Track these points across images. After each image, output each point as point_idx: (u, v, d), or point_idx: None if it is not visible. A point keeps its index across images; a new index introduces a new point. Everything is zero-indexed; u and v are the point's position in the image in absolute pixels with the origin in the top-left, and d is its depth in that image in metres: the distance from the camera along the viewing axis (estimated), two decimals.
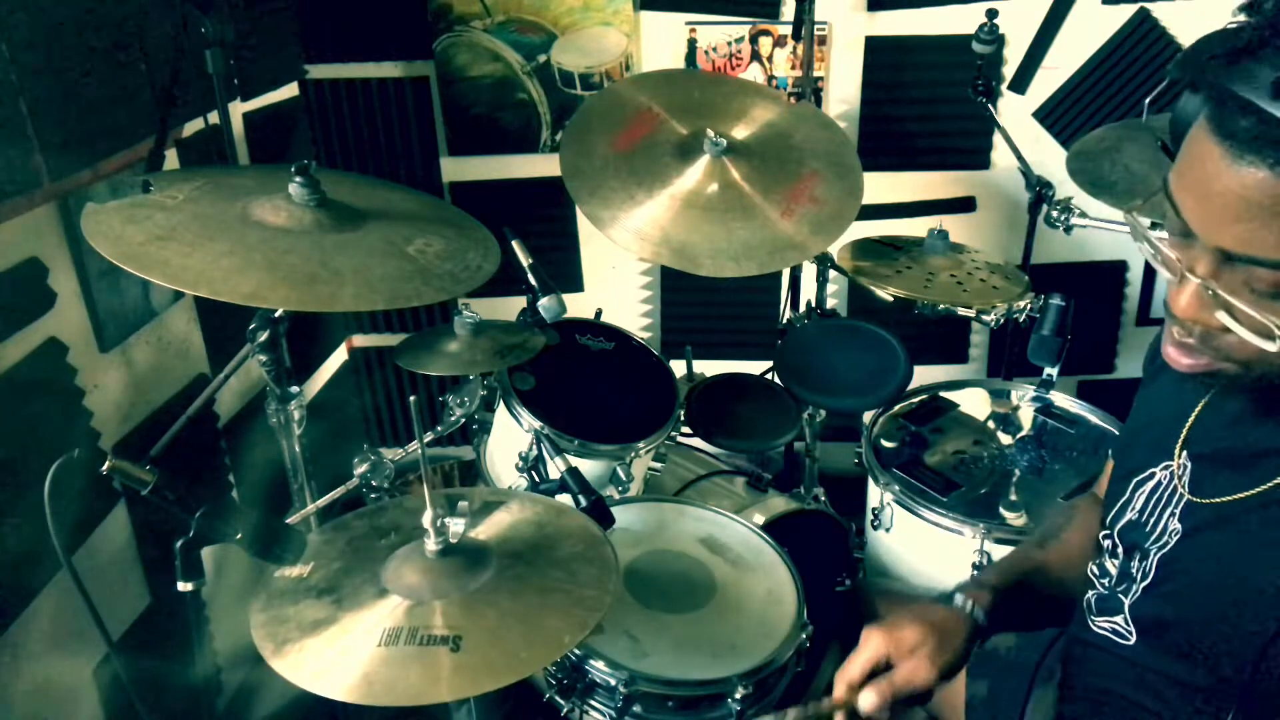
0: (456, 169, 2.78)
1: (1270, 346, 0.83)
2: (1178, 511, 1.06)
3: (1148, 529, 1.10)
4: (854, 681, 1.11)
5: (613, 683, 1.42)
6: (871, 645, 1.13)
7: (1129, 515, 1.13)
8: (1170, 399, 1.13)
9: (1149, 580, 1.09)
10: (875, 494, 1.95)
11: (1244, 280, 0.83)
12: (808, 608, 1.57)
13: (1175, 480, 1.08)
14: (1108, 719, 1.16)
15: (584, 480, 1.62)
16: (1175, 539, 1.06)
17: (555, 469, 1.67)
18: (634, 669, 1.42)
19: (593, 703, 1.47)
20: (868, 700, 1.08)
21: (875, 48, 2.63)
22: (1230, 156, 0.79)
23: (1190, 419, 1.09)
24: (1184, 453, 1.08)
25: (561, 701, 1.47)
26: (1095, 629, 1.17)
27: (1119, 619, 1.13)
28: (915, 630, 1.13)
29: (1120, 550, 1.14)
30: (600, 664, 1.43)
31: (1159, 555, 1.07)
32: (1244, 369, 0.90)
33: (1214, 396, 1.07)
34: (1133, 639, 1.11)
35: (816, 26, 2.44)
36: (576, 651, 1.45)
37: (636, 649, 1.47)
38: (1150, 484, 1.11)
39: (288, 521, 1.50)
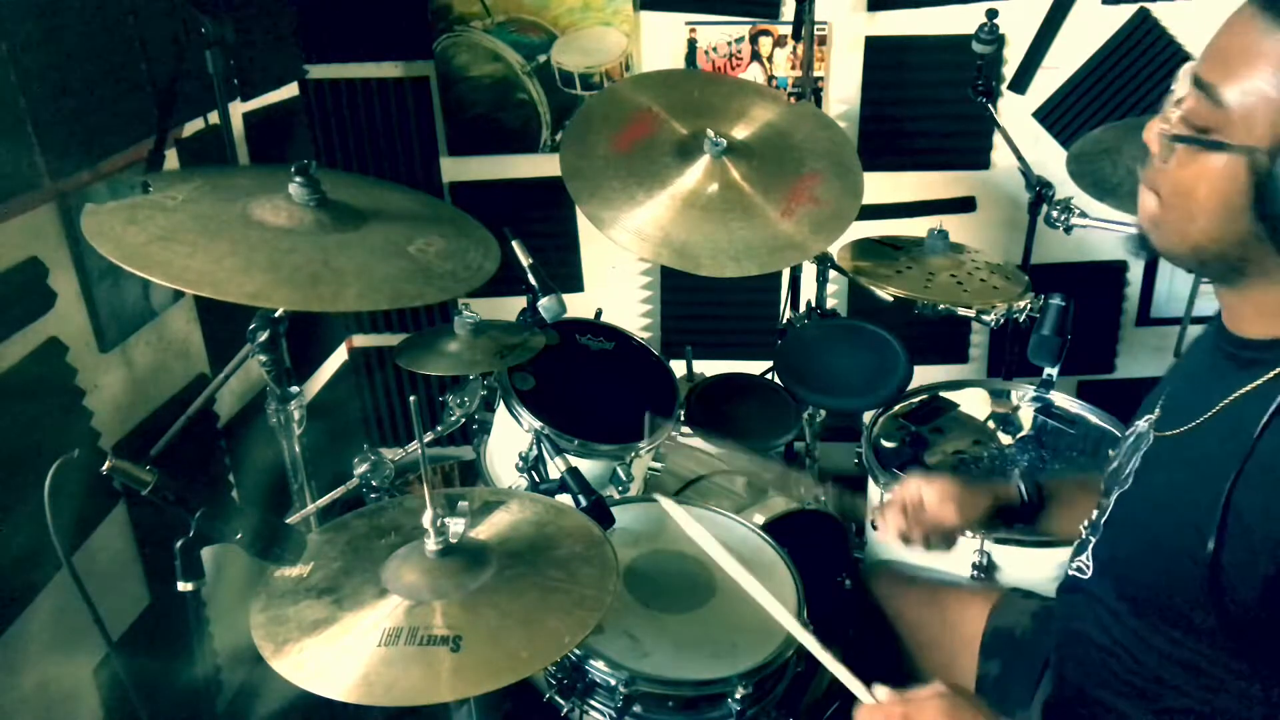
0: (456, 169, 2.78)
1: (1154, 170, 0.97)
2: (1143, 452, 1.12)
3: (1122, 474, 1.15)
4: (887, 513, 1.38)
5: (613, 683, 1.42)
6: (909, 485, 1.38)
7: (1114, 464, 1.19)
8: (1174, 368, 1.20)
9: (1105, 517, 1.15)
10: (875, 494, 1.95)
11: (1191, 109, 0.93)
12: (808, 608, 1.57)
13: (1150, 427, 1.13)
14: (1082, 661, 1.19)
15: (584, 480, 1.62)
16: (1133, 478, 1.12)
17: (555, 469, 1.68)
18: (634, 669, 1.42)
19: (593, 703, 1.46)
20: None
21: (875, 48, 2.63)
22: (1251, 10, 0.90)
23: (1171, 373, 1.17)
24: (1161, 403, 1.15)
25: (561, 701, 1.47)
26: (1069, 570, 1.23)
27: (1084, 557, 1.18)
28: (948, 483, 1.36)
29: (1103, 495, 1.19)
30: (600, 664, 1.43)
31: (1118, 494, 1.13)
32: (1158, 223, 1.00)
33: (1192, 353, 1.14)
34: (1088, 574, 1.17)
35: (816, 26, 2.44)
36: (576, 651, 1.44)
37: (636, 649, 1.47)
38: (1133, 435, 1.17)
39: (288, 521, 1.50)
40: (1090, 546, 1.19)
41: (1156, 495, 1.08)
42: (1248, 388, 0.96)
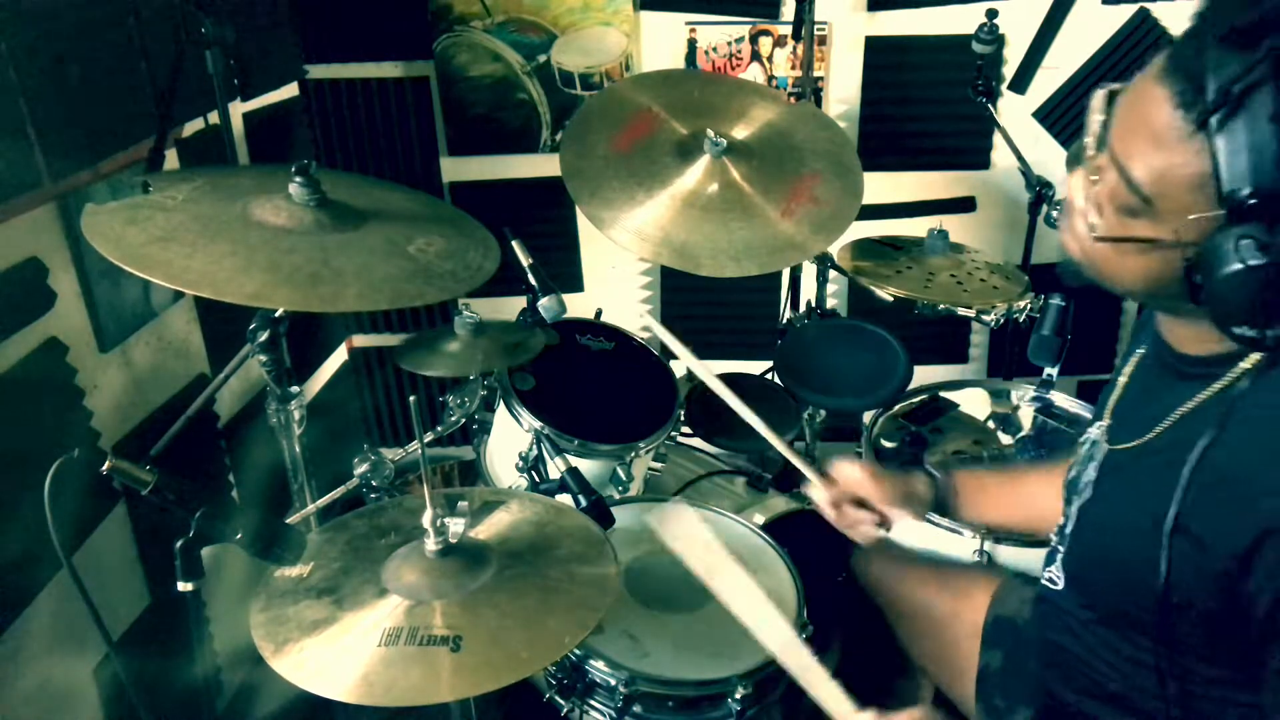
0: (456, 169, 2.78)
1: (1080, 228, 0.98)
2: (1099, 463, 1.14)
3: (1080, 484, 1.16)
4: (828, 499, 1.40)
5: (613, 683, 1.42)
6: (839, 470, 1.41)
7: (1072, 471, 1.21)
8: (1119, 372, 1.21)
9: (1070, 528, 1.17)
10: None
11: (1111, 191, 0.93)
12: (808, 608, 1.57)
13: (1102, 436, 1.15)
14: (1062, 669, 1.20)
15: (584, 480, 1.62)
16: (1090, 489, 1.13)
17: (555, 469, 1.68)
18: (634, 669, 1.42)
19: (593, 703, 1.46)
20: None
21: (875, 48, 2.63)
22: (1155, 76, 0.89)
23: (1123, 381, 1.17)
24: (1112, 412, 1.17)
25: (561, 701, 1.47)
26: (1042, 580, 1.25)
27: (1054, 568, 1.20)
28: (865, 465, 1.41)
29: (1064, 504, 1.21)
30: (600, 664, 1.43)
31: (1078, 505, 1.15)
32: (1088, 268, 1.02)
33: (1141, 360, 1.15)
34: (1060, 585, 1.18)
35: (816, 26, 2.44)
36: (576, 651, 1.44)
37: (636, 649, 1.47)
38: (1087, 444, 1.19)
39: (288, 521, 1.50)
40: (1059, 557, 1.21)
41: (1113, 509, 1.09)
42: (1192, 403, 0.98)
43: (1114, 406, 1.17)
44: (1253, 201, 0.82)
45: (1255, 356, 0.94)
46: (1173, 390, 1.03)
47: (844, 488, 1.41)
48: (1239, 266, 0.83)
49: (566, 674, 1.47)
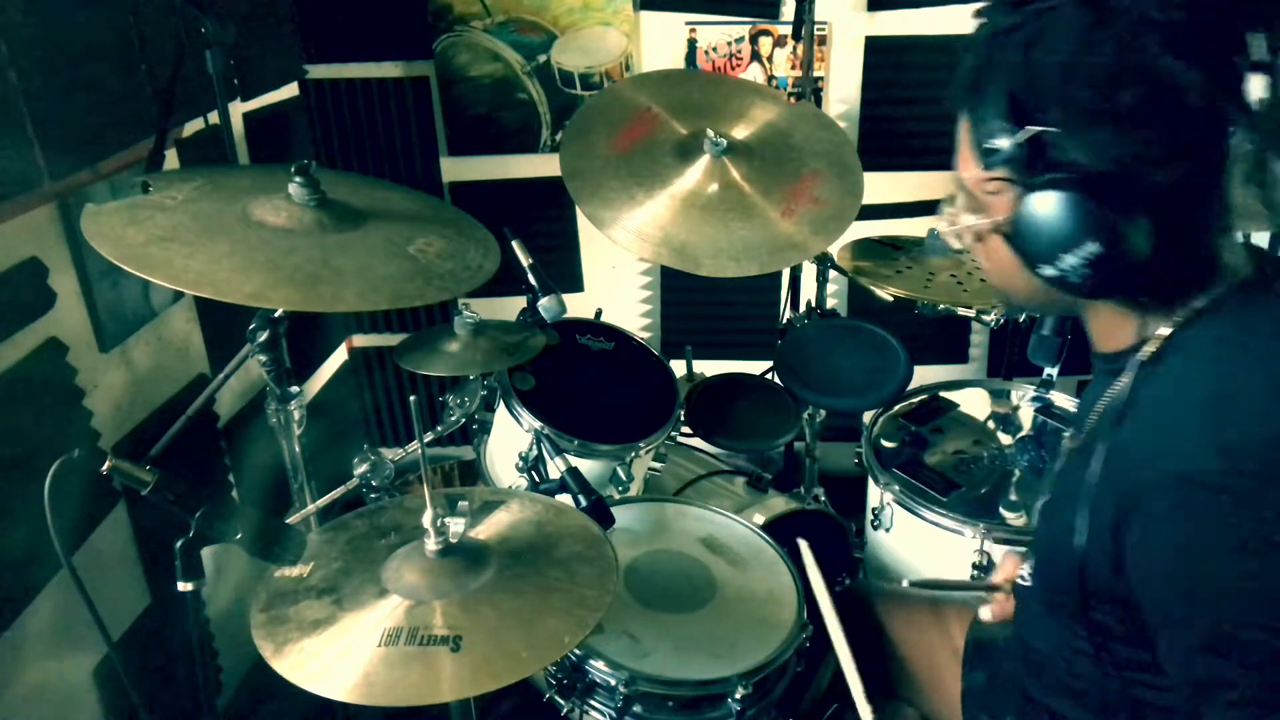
0: (456, 169, 2.78)
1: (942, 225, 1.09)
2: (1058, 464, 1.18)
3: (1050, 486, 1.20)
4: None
5: (613, 683, 1.42)
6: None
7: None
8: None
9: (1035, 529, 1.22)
10: (875, 494, 1.95)
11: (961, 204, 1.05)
12: (808, 608, 1.57)
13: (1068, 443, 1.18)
14: (1030, 665, 1.22)
15: (584, 480, 1.62)
16: (1049, 488, 1.17)
17: (555, 469, 1.68)
18: (634, 669, 1.42)
19: (593, 703, 1.46)
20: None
21: (875, 48, 2.62)
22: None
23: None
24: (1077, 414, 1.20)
25: (561, 701, 1.47)
26: (1017, 580, 1.27)
27: (1027, 566, 1.23)
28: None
29: None
30: (600, 664, 1.43)
31: (1040, 504, 1.19)
32: (999, 293, 1.11)
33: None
34: (1030, 583, 1.20)
35: (816, 26, 2.44)
36: (576, 651, 1.44)
37: (636, 649, 1.47)
38: (1063, 453, 1.21)
39: (288, 521, 1.50)
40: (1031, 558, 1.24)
41: (1052, 501, 1.13)
42: (1106, 398, 1.02)
43: (1077, 413, 1.22)
44: (1012, 155, 0.93)
45: (1149, 348, 0.97)
46: (1098, 387, 1.08)
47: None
48: (1020, 210, 0.93)
49: (566, 674, 1.47)
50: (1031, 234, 0.93)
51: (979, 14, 0.97)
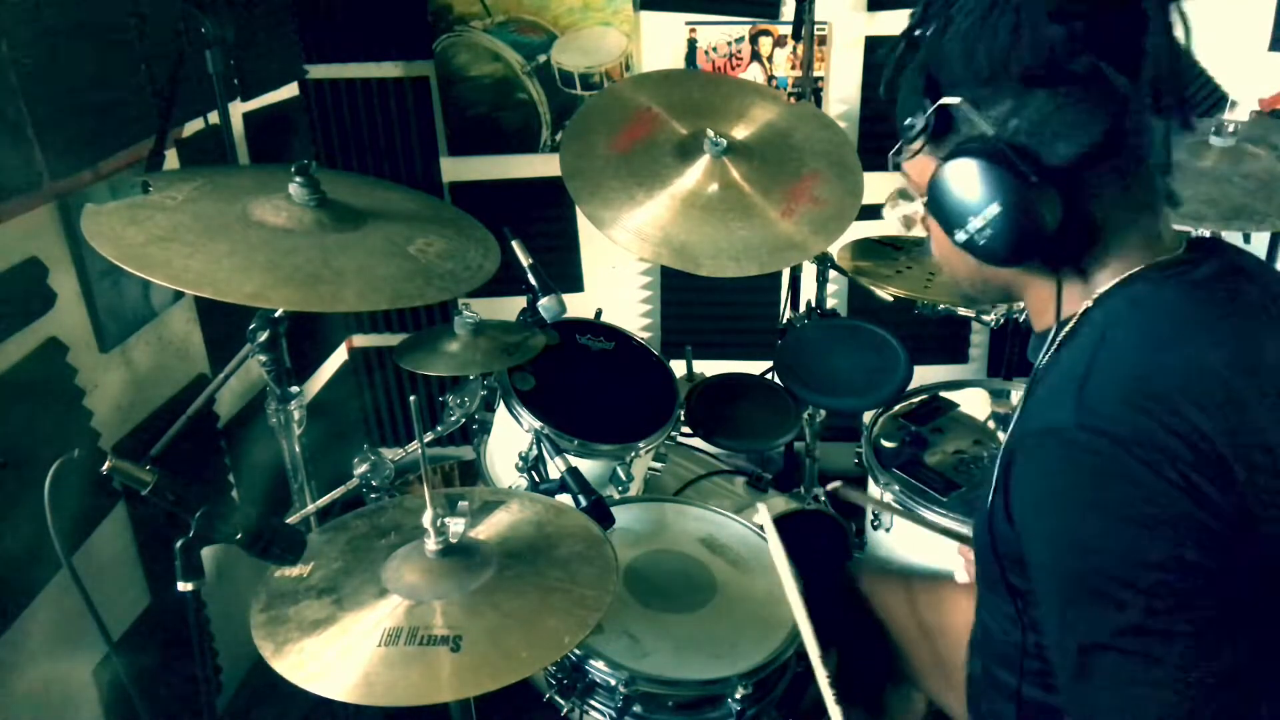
0: (456, 169, 2.78)
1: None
2: None
3: None
4: None
5: (613, 683, 1.42)
6: None
7: None
8: None
9: None
10: (875, 494, 1.95)
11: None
12: (807, 607, 1.57)
13: None
14: (987, 644, 1.21)
15: (584, 480, 1.62)
16: None
17: (555, 469, 1.68)
18: (634, 669, 1.42)
19: (593, 703, 1.46)
20: None
21: (875, 48, 2.62)
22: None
23: None
24: None
25: (561, 701, 1.47)
26: None
27: None
28: None
29: None
30: (600, 664, 1.43)
31: None
32: (948, 278, 1.15)
33: None
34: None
35: (816, 26, 2.44)
36: (576, 651, 1.44)
37: (636, 649, 1.47)
38: None
39: (288, 521, 1.50)
40: None
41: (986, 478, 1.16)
42: (1032, 373, 1.07)
43: None
44: (925, 130, 1.00)
45: (1068, 323, 1.01)
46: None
47: None
48: (933, 180, 0.99)
49: (566, 674, 1.47)
50: (943, 202, 0.99)
51: (909, 18, 1.04)
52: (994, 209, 0.95)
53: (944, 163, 0.98)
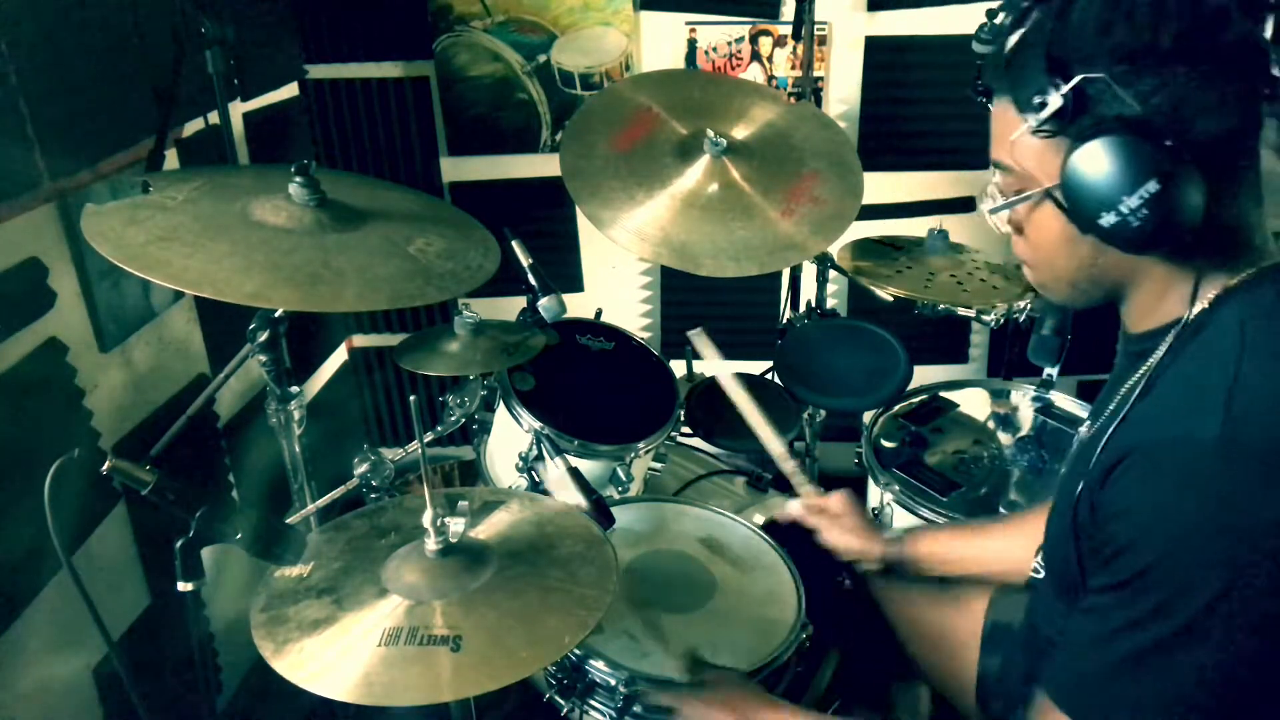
0: (456, 169, 2.78)
1: (983, 206, 1.12)
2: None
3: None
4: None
5: (613, 683, 1.42)
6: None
7: (1062, 471, 1.26)
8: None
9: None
10: (875, 494, 1.95)
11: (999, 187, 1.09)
12: (808, 608, 1.57)
13: (1085, 434, 1.19)
14: (1040, 655, 1.22)
15: (584, 480, 1.62)
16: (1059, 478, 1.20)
17: (555, 468, 1.67)
18: (634, 669, 1.42)
19: (593, 703, 1.46)
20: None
21: (875, 48, 2.63)
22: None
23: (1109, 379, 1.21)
24: (1094, 408, 1.21)
25: (561, 701, 1.47)
26: (1029, 571, 1.28)
27: (1039, 557, 1.24)
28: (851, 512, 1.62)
29: None
30: (600, 664, 1.43)
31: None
32: (1040, 282, 1.12)
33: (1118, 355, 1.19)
34: (1042, 573, 1.22)
35: (816, 26, 2.44)
36: (576, 651, 1.44)
37: (636, 649, 1.47)
38: (1076, 444, 1.23)
39: (288, 521, 1.50)
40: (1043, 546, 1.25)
41: (1063, 486, 1.13)
42: (1131, 380, 1.03)
43: (1096, 403, 1.21)
44: (1059, 111, 0.94)
45: (1197, 308, 0.98)
46: (1125, 374, 1.07)
47: (825, 504, 1.62)
48: (1071, 164, 0.93)
49: (566, 674, 1.47)
50: (1087, 186, 0.92)
51: (1000, 6, 1.02)
52: (1152, 186, 0.89)
53: (1083, 143, 0.92)
